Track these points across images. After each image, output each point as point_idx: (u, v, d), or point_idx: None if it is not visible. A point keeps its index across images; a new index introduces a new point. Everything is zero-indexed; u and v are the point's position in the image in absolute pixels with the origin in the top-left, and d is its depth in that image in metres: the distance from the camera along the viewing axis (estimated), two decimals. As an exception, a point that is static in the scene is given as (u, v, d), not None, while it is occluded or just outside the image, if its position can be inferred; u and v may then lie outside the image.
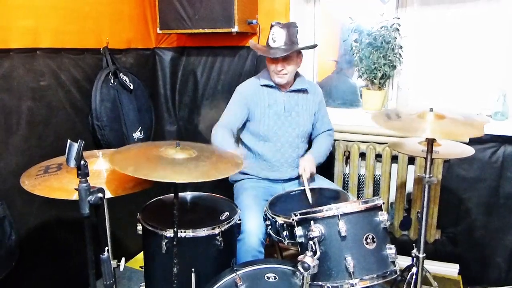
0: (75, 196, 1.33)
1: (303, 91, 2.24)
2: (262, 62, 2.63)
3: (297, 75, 2.24)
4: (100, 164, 1.62)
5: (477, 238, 2.45)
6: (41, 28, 1.99)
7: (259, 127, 2.17)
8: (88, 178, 1.22)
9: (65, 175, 1.50)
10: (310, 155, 2.22)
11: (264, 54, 2.11)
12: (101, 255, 1.30)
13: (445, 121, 1.63)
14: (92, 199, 1.20)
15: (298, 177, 2.27)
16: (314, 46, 2.28)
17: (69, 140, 1.19)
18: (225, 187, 2.34)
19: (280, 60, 2.07)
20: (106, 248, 1.32)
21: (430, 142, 1.69)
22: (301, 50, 2.15)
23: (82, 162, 1.19)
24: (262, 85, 2.18)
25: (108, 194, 1.47)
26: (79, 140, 1.18)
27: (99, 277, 1.31)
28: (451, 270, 2.50)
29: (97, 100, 2.26)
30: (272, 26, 2.10)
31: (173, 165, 1.45)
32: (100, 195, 1.22)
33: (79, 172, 1.19)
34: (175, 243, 1.57)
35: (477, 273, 2.49)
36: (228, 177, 2.31)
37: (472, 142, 2.26)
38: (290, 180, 2.26)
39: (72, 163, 1.17)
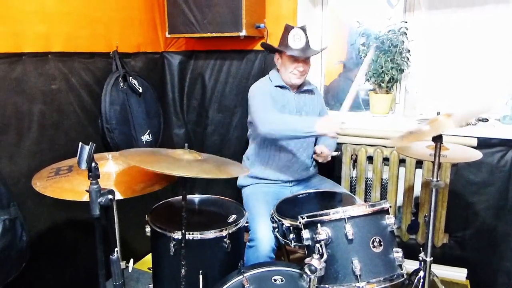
0: (85, 198, 1.35)
1: (310, 91, 2.29)
2: (269, 66, 2.64)
3: None
4: (110, 167, 1.64)
5: (485, 242, 2.43)
6: (53, 33, 2.03)
7: None
8: (98, 180, 1.24)
9: (76, 177, 1.53)
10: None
11: (294, 54, 2.09)
12: (110, 256, 1.32)
13: (453, 116, 1.64)
14: (103, 200, 1.22)
15: (307, 179, 2.29)
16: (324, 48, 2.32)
17: (80, 143, 1.21)
18: (233, 192, 2.35)
19: (302, 60, 2.12)
20: (116, 249, 1.34)
21: (438, 146, 1.69)
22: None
23: (93, 164, 1.21)
24: (275, 86, 2.20)
25: (118, 196, 1.49)
26: (90, 143, 1.20)
27: (108, 278, 1.33)
28: (459, 274, 2.48)
29: (106, 103, 2.29)
30: (290, 28, 2.13)
31: (178, 161, 1.49)
32: (110, 196, 1.23)
33: (90, 174, 1.22)
34: (183, 245, 1.59)
35: (485, 278, 2.47)
36: (236, 182, 2.33)
37: (480, 146, 2.26)
38: (298, 182, 2.27)
39: (84, 165, 1.20)
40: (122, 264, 1.85)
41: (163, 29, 2.75)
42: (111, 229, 1.84)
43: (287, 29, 2.14)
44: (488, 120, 2.43)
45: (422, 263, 1.84)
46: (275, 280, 1.55)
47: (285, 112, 2.18)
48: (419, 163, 2.45)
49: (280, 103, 2.18)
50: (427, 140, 2.06)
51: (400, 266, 1.48)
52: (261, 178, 2.25)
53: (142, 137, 2.50)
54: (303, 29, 2.14)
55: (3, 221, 1.61)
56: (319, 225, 1.46)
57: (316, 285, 1.41)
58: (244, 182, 2.30)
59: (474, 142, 2.31)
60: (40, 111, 2.00)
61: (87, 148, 1.19)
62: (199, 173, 1.42)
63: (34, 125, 1.98)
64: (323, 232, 1.44)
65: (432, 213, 1.77)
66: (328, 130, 1.89)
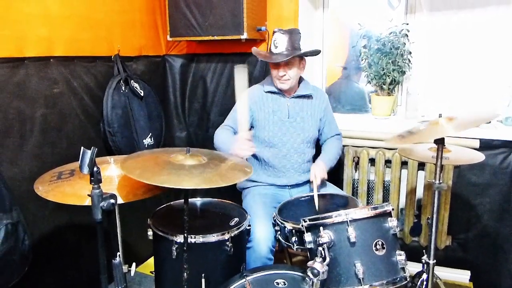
0: (87, 202, 1.35)
1: (308, 96, 2.25)
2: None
3: (301, 80, 2.26)
4: (112, 170, 1.64)
5: (488, 245, 2.42)
6: (55, 36, 2.04)
7: (264, 133, 2.19)
8: (100, 184, 1.24)
9: (78, 181, 1.53)
10: (321, 161, 2.21)
11: (265, 59, 2.14)
12: (113, 260, 1.32)
13: (456, 120, 1.64)
14: (105, 205, 1.22)
15: (305, 183, 2.28)
16: (317, 52, 2.20)
17: (82, 147, 1.21)
18: (233, 194, 2.35)
19: (282, 65, 2.09)
20: (118, 253, 1.34)
21: (440, 148, 1.69)
22: (305, 56, 2.15)
23: (95, 168, 1.21)
24: (266, 92, 2.20)
25: (120, 200, 1.49)
26: (92, 147, 1.20)
27: (110, 281, 1.33)
28: (462, 276, 2.47)
29: (108, 107, 2.29)
30: (274, 32, 2.12)
31: (178, 170, 1.47)
32: (112, 201, 1.23)
33: (92, 178, 1.22)
34: (185, 248, 1.59)
35: (488, 280, 2.46)
36: (236, 184, 2.33)
37: (483, 148, 2.25)
38: (297, 185, 2.26)
39: (86, 169, 1.20)
40: (124, 268, 1.86)
41: (165, 32, 2.76)
42: (113, 233, 1.85)
43: (273, 33, 2.13)
44: (490, 121, 2.42)
45: (425, 265, 1.83)
46: (277, 283, 1.55)
47: (276, 117, 2.18)
48: (421, 165, 2.44)
49: (269, 109, 2.19)
50: (427, 142, 2.07)
51: (403, 269, 1.47)
52: (259, 182, 2.25)
53: (144, 140, 2.50)
54: (288, 32, 2.08)
55: (5, 225, 1.61)
56: (321, 228, 1.46)
57: (319, 288, 1.40)
58: (244, 184, 2.30)
59: (477, 144, 2.30)
60: (42, 115, 2.00)
61: (89, 152, 1.19)
62: (200, 183, 1.40)
63: (36, 129, 1.98)
64: (326, 235, 1.44)
65: (434, 215, 1.77)
66: (238, 151, 1.94)
